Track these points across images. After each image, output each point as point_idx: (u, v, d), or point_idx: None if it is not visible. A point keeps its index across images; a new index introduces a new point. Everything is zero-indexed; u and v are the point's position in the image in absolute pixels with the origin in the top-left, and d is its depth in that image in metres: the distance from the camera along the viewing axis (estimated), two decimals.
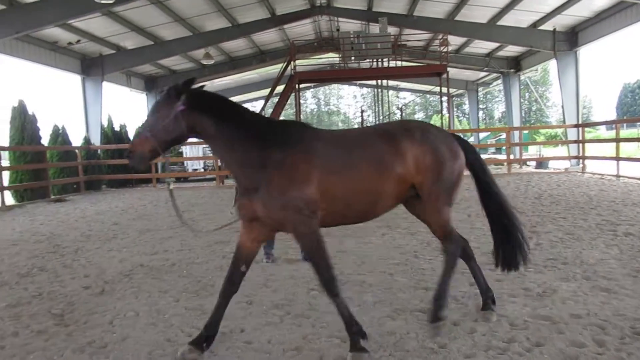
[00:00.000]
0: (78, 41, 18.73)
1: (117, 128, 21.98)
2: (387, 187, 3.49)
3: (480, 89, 35.14)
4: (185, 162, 24.30)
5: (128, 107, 39.05)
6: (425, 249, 6.36)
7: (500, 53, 25.24)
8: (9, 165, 15.56)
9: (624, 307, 3.93)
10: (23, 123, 15.73)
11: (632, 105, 71.21)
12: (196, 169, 23.94)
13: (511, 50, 24.41)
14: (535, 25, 20.06)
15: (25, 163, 15.42)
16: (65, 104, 56.58)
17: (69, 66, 19.77)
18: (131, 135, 22.62)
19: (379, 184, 3.46)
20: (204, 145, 24.72)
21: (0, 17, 14.41)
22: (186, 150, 25.05)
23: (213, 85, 32.53)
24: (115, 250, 7.07)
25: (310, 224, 3.30)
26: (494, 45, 23.81)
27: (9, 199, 14.73)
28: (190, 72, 26.66)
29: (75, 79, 20.72)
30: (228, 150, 3.41)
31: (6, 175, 15.04)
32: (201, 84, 3.72)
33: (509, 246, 3.93)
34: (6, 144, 15.70)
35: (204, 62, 24.04)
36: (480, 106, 53.65)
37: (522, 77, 26.88)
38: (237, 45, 25.02)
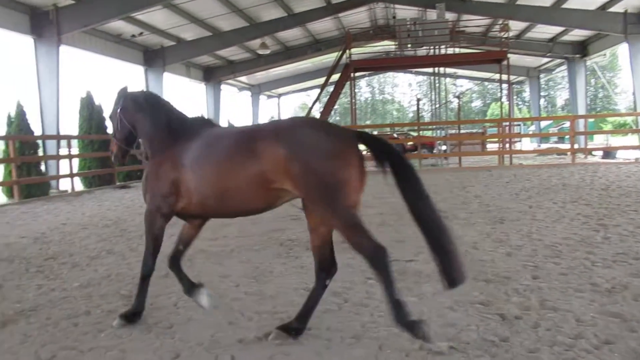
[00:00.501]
0: (141, 33, 19.42)
1: None
2: (241, 186, 3.34)
3: (542, 75, 33.83)
4: None
5: (187, 97, 40.15)
6: (484, 240, 6.21)
7: (565, 38, 24.14)
8: (78, 153, 16.42)
9: None
10: (90, 113, 16.53)
11: None
12: None
13: (577, 34, 23.28)
14: (604, 7, 19.04)
15: (92, 151, 16.22)
16: None
17: (133, 58, 20.56)
18: None
19: (230, 182, 3.36)
20: None
21: (69, 11, 15.14)
22: None
23: (268, 75, 32.94)
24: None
25: (156, 218, 3.89)
26: (558, 29, 22.78)
27: (78, 185, 15.56)
28: (246, 62, 27.12)
29: (138, 70, 21.52)
30: (150, 148, 3.94)
31: (76, 162, 15.87)
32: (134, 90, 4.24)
33: (447, 258, 3.29)
34: (75, 133, 16.55)
35: (260, 52, 24.36)
36: (542, 93, 51.61)
37: (588, 63, 25.59)
38: (293, 35, 25.18)
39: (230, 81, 30.52)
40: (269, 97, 40.36)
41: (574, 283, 4.35)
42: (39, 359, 3.27)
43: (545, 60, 28.92)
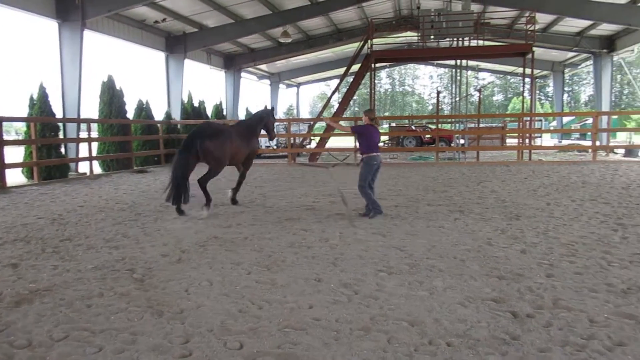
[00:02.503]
0: (164, 19, 19.50)
1: (196, 104, 22.76)
2: None
3: (567, 70, 33.14)
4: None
5: (207, 84, 40.31)
6: (499, 236, 6.14)
7: (593, 32, 23.58)
8: (97, 136, 16.61)
9: None
10: (111, 97, 16.70)
11: None
12: (269, 146, 24.41)
13: (605, 28, 22.71)
14: (635, 1, 18.51)
15: (111, 135, 16.39)
16: (149, 80, 59.25)
17: (155, 43, 20.65)
18: (209, 111, 23.36)
19: None
20: (277, 123, 25.15)
21: None
22: None
23: (288, 63, 32.87)
24: (191, 222, 7.38)
25: None
26: (586, 23, 22.24)
27: (97, 168, 15.76)
28: (267, 50, 27.09)
29: (160, 56, 21.63)
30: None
31: (95, 146, 16.07)
32: None
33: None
34: (96, 116, 16.73)
35: (282, 40, 24.28)
36: (566, 89, 50.68)
37: (615, 58, 24.97)
38: (315, 24, 25.02)
39: (250, 69, 30.53)
40: (288, 86, 40.29)
41: (588, 283, 4.28)
42: (51, 339, 3.33)
43: (571, 54, 28.29)
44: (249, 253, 5.49)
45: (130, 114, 17.71)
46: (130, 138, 16.81)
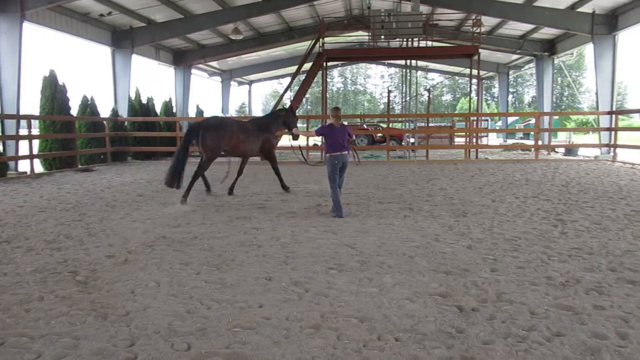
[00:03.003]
0: (109, 13, 18.86)
1: (144, 101, 22.16)
2: None
3: (511, 72, 34.35)
4: None
5: (156, 81, 39.23)
6: (447, 232, 6.30)
7: (535, 35, 24.54)
8: (39, 133, 15.89)
9: None
10: (53, 93, 16.00)
11: None
12: None
13: (547, 32, 23.70)
14: (573, 7, 19.40)
15: (54, 132, 15.73)
16: (94, 76, 57.25)
17: (100, 38, 19.94)
18: (158, 108, 22.81)
19: None
20: None
21: None
22: None
23: (240, 60, 32.54)
24: (139, 222, 7.18)
25: None
26: (529, 26, 23.14)
27: (38, 167, 15.09)
28: (218, 47, 26.71)
29: (105, 50, 20.91)
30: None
31: (36, 143, 15.38)
32: None
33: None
34: (37, 113, 16.01)
35: (233, 37, 23.99)
36: (510, 90, 52.54)
37: (556, 61, 26.10)
38: (267, 21, 24.87)
39: (200, 65, 30.01)
40: (240, 83, 39.85)
41: (530, 276, 4.45)
42: None
43: (515, 57, 29.35)
44: (198, 253, 5.39)
45: (74, 111, 17.04)
46: (74, 135, 16.20)
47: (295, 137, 10.24)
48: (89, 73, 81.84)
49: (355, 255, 5.21)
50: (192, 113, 27.41)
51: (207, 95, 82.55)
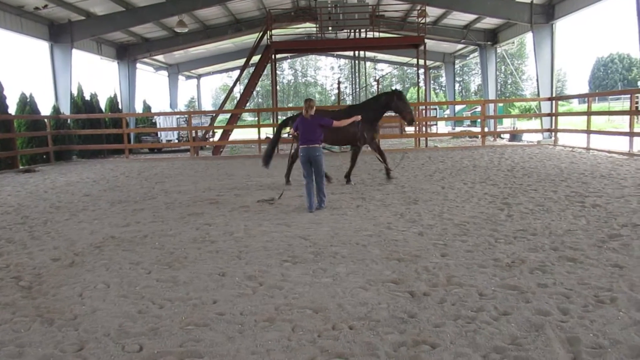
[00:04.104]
0: (45, 6, 17.99)
1: (87, 97, 21.40)
2: None
3: (457, 61, 35.18)
4: (158, 133, 23.89)
5: (99, 76, 37.85)
6: (398, 220, 6.41)
7: (478, 25, 25.20)
8: None
9: (588, 276, 4.04)
10: None
11: (604, 79, 72.45)
12: (170, 140, 23.58)
13: (489, 22, 24.39)
14: None
15: None
16: (33, 72, 54.71)
17: (36, 32, 19.01)
18: (103, 105, 22.06)
19: None
20: (178, 116, 24.34)
21: None
22: (159, 120, 24.58)
23: (187, 54, 31.86)
24: (86, 222, 6.95)
25: None
26: (472, 17, 23.74)
27: None
28: (163, 41, 26.03)
29: (43, 45, 19.97)
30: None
31: None
32: None
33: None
34: None
35: (178, 30, 23.43)
36: (457, 79, 53.82)
37: (498, 50, 26.93)
38: (212, 13, 24.41)
39: (146, 60, 29.17)
40: (188, 77, 39.03)
41: (478, 259, 4.60)
42: None
43: (460, 46, 30.06)
44: (149, 252, 5.28)
45: (12, 109, 16.26)
46: (13, 135, 15.47)
47: (408, 121, 10.17)
48: (27, 69, 78.19)
49: (309, 247, 5.23)
50: (139, 109, 26.66)
51: (155, 90, 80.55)
